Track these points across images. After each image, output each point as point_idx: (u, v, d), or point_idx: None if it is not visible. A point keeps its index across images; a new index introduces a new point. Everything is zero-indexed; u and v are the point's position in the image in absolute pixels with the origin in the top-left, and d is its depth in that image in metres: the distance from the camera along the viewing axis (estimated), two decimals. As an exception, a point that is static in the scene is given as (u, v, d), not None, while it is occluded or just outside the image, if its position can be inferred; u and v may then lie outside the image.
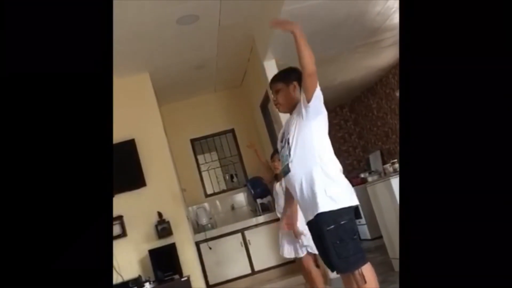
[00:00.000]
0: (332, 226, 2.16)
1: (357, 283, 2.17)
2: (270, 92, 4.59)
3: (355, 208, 2.28)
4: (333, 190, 2.20)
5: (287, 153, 2.34)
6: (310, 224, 2.32)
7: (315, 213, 2.20)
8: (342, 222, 2.16)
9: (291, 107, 2.46)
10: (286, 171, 2.34)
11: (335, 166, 2.30)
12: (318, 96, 2.30)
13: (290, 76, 2.50)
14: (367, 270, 2.18)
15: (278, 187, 3.89)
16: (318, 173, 2.23)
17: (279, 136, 2.54)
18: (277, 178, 3.91)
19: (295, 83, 2.47)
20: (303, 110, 2.29)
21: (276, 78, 2.55)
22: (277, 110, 2.63)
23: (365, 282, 2.14)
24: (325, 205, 2.18)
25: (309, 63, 2.25)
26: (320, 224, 2.20)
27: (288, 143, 2.35)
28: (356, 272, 2.16)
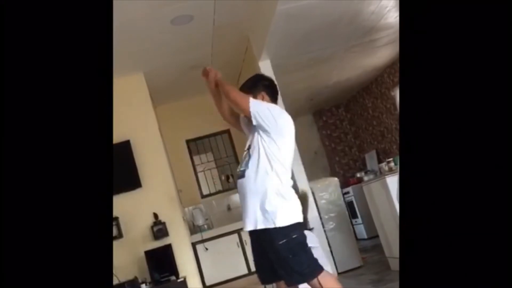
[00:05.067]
0: (284, 240, 2.12)
1: None
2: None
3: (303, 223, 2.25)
4: (280, 210, 2.15)
5: (247, 160, 2.31)
6: (253, 233, 2.27)
7: (265, 227, 2.16)
8: (294, 236, 2.13)
9: None
10: (241, 175, 2.31)
11: (288, 182, 2.27)
12: (258, 114, 2.24)
13: (257, 85, 2.45)
14: (325, 278, 2.14)
15: None
16: (272, 189, 2.19)
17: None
18: None
19: (263, 93, 2.42)
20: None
21: (242, 89, 2.48)
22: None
23: None
24: (267, 222, 2.14)
25: (234, 101, 2.33)
26: (270, 238, 2.15)
27: (249, 152, 2.33)
28: (314, 281, 2.12)
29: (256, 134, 2.31)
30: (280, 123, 2.27)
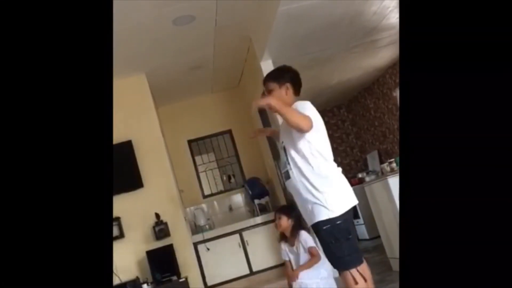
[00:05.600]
0: (328, 226, 2.22)
1: (347, 282, 2.23)
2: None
3: (353, 208, 2.32)
4: (330, 200, 2.23)
5: (285, 160, 2.37)
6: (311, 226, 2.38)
7: (313, 222, 2.27)
8: (338, 222, 2.21)
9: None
10: (287, 177, 2.38)
11: (333, 172, 2.32)
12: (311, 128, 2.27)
13: (283, 76, 2.49)
14: (362, 270, 2.24)
15: (284, 247, 3.51)
16: (315, 182, 2.26)
17: (280, 138, 2.55)
18: (282, 236, 3.54)
19: (288, 84, 2.46)
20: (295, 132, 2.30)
21: (269, 77, 2.54)
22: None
23: (356, 283, 2.20)
24: (322, 215, 2.23)
25: (298, 127, 2.22)
26: (318, 224, 2.26)
27: (285, 150, 2.38)
28: (349, 272, 2.21)
29: (287, 130, 2.35)
30: (316, 120, 2.31)
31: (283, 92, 2.45)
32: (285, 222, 3.40)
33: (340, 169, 2.38)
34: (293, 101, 2.42)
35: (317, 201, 2.24)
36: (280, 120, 4.01)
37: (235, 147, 6.21)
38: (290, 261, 3.48)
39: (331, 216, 2.21)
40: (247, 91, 5.95)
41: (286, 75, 2.49)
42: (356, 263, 2.23)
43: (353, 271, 2.21)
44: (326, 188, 2.25)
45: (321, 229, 2.24)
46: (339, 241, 2.21)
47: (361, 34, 4.87)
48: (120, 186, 4.36)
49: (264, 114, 5.34)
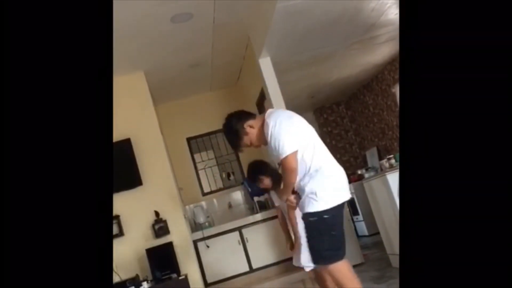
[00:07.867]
0: (316, 218, 2.28)
1: (332, 277, 2.31)
2: (266, 92, 4.63)
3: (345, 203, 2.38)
4: (320, 193, 2.28)
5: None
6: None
7: (303, 212, 2.36)
8: (325, 216, 2.27)
9: (264, 139, 2.48)
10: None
11: (325, 165, 2.36)
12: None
13: (238, 129, 2.50)
14: (340, 266, 2.28)
15: (273, 194, 3.74)
16: (307, 180, 2.33)
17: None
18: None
19: (245, 125, 2.49)
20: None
21: (233, 143, 2.59)
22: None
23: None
24: (311, 207, 2.29)
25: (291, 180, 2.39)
26: (306, 215, 2.33)
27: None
28: (329, 267, 2.28)
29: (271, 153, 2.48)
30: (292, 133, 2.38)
31: (252, 134, 2.50)
32: (268, 181, 3.46)
33: (334, 162, 2.43)
34: (259, 124, 2.48)
35: (308, 192, 2.31)
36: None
37: (234, 145, 6.21)
38: (280, 207, 3.56)
39: (319, 209, 2.25)
40: (245, 89, 5.95)
41: (237, 127, 2.50)
42: (332, 260, 2.27)
43: (331, 267, 2.26)
44: (317, 180, 2.30)
45: (307, 220, 2.30)
46: (322, 234, 2.26)
47: (359, 31, 4.87)
48: (120, 184, 4.36)
49: (263, 110, 5.34)
